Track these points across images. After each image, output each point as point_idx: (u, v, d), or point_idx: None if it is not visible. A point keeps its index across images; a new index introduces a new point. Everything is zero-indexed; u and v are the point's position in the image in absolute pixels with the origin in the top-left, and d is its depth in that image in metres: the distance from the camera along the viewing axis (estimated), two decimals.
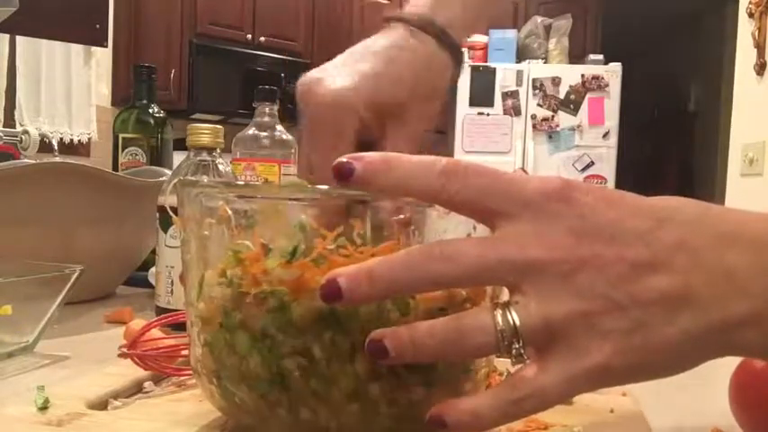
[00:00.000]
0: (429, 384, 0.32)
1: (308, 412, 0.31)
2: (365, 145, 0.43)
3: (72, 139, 3.66)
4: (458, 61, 0.48)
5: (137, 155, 1.09)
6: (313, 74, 0.44)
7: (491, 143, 3.70)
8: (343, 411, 0.31)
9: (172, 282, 0.64)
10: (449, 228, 0.33)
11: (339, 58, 0.45)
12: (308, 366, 0.31)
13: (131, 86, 1.14)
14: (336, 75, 0.43)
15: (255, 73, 4.03)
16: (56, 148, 2.08)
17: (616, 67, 3.67)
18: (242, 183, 0.74)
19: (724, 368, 0.37)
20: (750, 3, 2.64)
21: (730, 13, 3.77)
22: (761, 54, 2.58)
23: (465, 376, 0.34)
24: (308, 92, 0.43)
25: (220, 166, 0.65)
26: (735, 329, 0.27)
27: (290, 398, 0.31)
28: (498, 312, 0.28)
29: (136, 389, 0.45)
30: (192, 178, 0.63)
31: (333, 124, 0.42)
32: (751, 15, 2.65)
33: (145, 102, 1.11)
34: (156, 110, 1.12)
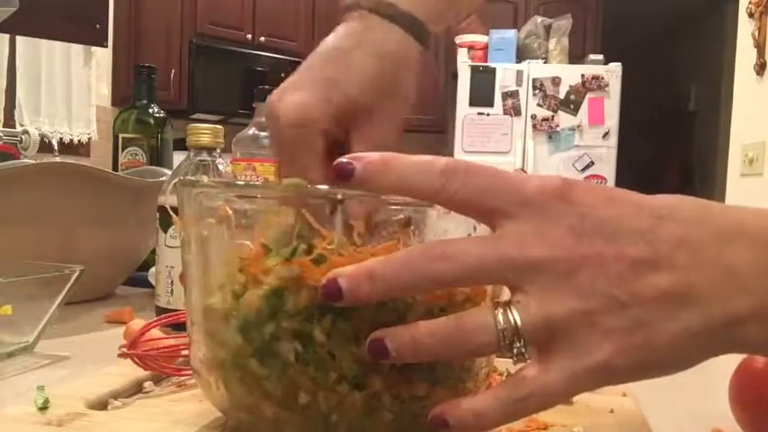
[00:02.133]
0: (431, 382, 0.32)
1: (306, 397, 0.31)
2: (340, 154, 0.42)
3: (72, 139, 3.66)
4: (418, 36, 0.44)
5: (137, 155, 1.09)
6: (277, 90, 0.42)
7: (491, 143, 3.70)
8: (345, 403, 0.31)
9: (172, 282, 0.64)
10: (449, 228, 0.33)
11: (304, 63, 0.43)
12: (309, 355, 0.31)
13: (131, 86, 1.15)
14: (297, 88, 0.42)
15: (255, 73, 4.03)
16: (56, 148, 2.08)
17: (616, 67, 3.67)
18: (242, 183, 0.74)
19: (724, 368, 0.37)
20: (750, 3, 2.64)
21: (730, 13, 3.77)
22: (761, 54, 2.58)
23: (466, 375, 0.34)
24: (271, 112, 0.42)
25: (220, 166, 0.65)
26: (736, 326, 0.27)
27: (290, 392, 0.31)
28: (499, 312, 0.28)
29: (136, 389, 0.45)
30: (192, 178, 0.63)
31: (298, 145, 0.41)
32: (751, 15, 2.65)
33: (145, 102, 1.11)
34: (156, 110, 1.12)
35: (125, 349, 0.44)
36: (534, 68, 3.72)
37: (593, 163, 3.67)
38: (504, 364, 0.39)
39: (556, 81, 3.69)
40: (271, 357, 0.31)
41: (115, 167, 1.09)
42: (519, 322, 0.27)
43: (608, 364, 0.27)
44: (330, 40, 0.44)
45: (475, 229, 0.32)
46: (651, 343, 0.27)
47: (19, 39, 3.34)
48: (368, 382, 0.31)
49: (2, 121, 3.30)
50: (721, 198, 2.91)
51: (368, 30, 0.43)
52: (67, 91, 3.63)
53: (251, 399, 0.32)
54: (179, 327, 0.45)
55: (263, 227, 0.33)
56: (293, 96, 0.41)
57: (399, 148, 0.43)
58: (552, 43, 3.83)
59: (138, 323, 0.49)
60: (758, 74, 2.59)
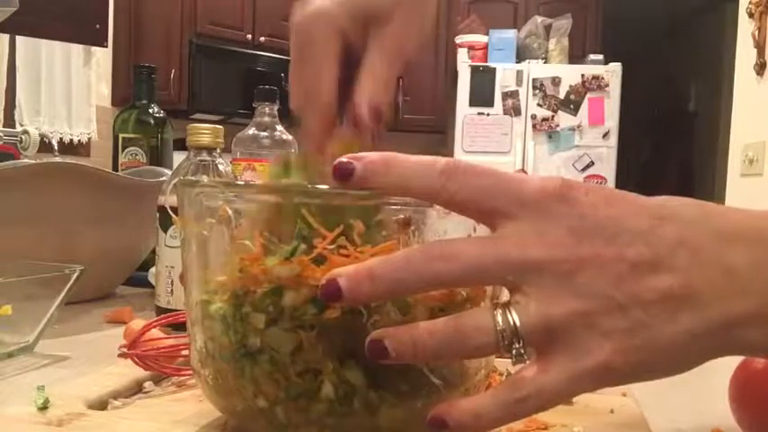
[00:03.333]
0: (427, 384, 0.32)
1: (305, 398, 0.31)
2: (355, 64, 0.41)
3: (72, 139, 3.66)
4: None
5: (137, 155, 1.09)
6: (299, 2, 0.42)
7: (491, 143, 3.70)
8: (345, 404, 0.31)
9: (172, 282, 0.64)
10: (449, 228, 0.33)
11: None
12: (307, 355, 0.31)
13: (131, 86, 1.14)
14: None
15: (255, 73, 4.03)
16: (56, 148, 2.08)
17: (616, 67, 3.67)
18: (242, 183, 0.74)
19: (724, 368, 0.37)
20: (750, 3, 2.64)
21: (730, 13, 3.77)
22: (761, 54, 2.58)
23: (463, 376, 0.34)
24: (292, 17, 0.42)
25: (220, 166, 0.65)
26: (736, 328, 0.27)
27: (290, 392, 0.31)
28: (498, 312, 0.28)
29: (136, 389, 0.45)
30: (192, 178, 0.63)
31: (315, 41, 0.41)
32: (751, 15, 2.65)
33: (145, 102, 1.11)
34: (156, 110, 1.12)
35: (125, 349, 0.44)
36: (534, 68, 3.71)
37: (593, 163, 3.67)
38: (504, 364, 0.39)
39: (556, 81, 3.69)
40: (269, 357, 0.31)
41: (115, 167, 1.09)
42: (518, 323, 0.27)
43: (607, 366, 0.27)
44: None
45: (475, 229, 0.32)
46: (650, 344, 0.27)
47: (19, 39, 3.34)
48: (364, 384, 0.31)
49: (2, 121, 3.30)
50: (721, 198, 2.91)
51: None
52: (67, 91, 3.63)
53: (250, 398, 0.32)
54: (179, 327, 0.45)
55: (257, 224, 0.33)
56: (315, 2, 0.42)
57: (408, 65, 0.43)
58: (552, 43, 3.83)
59: (138, 323, 0.49)
60: (758, 74, 2.59)
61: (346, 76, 0.41)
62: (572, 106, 3.68)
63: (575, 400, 0.42)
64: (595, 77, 3.67)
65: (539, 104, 3.70)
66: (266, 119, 0.84)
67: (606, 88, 3.66)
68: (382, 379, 0.31)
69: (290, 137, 0.86)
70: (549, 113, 3.69)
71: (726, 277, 0.27)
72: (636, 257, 0.27)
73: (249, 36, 4.13)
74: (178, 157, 0.80)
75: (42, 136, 1.73)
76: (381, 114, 0.39)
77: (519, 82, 3.70)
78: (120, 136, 1.10)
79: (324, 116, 0.40)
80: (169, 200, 0.63)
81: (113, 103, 3.89)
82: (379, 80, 0.40)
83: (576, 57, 3.87)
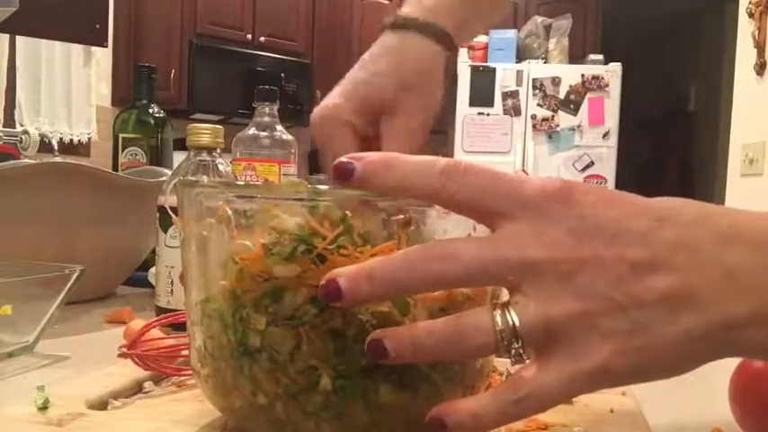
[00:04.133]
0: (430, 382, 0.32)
1: (306, 397, 0.31)
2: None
3: (72, 139, 3.66)
4: (447, 47, 0.50)
5: (137, 155, 1.09)
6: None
7: (491, 143, 3.70)
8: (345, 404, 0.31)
9: (172, 282, 0.64)
10: (449, 228, 0.33)
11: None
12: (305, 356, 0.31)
13: (131, 86, 1.14)
14: (330, 95, 0.48)
15: (255, 73, 4.03)
16: (56, 148, 2.08)
17: (616, 67, 3.67)
18: (242, 183, 0.74)
19: (724, 368, 0.37)
20: (750, 3, 2.64)
21: (730, 13, 3.77)
22: (761, 54, 2.58)
23: (463, 373, 0.34)
24: (311, 118, 0.49)
25: (220, 166, 0.65)
26: (736, 329, 0.27)
27: (290, 392, 0.31)
28: (498, 313, 0.28)
29: (136, 389, 0.45)
30: (192, 178, 0.63)
31: (327, 141, 0.47)
32: (751, 15, 2.65)
33: (145, 102, 1.11)
34: (156, 110, 1.12)
35: (125, 349, 0.44)
36: (534, 68, 3.72)
37: (593, 163, 3.67)
38: (503, 364, 0.39)
39: (556, 81, 3.69)
40: (269, 356, 0.31)
41: (115, 167, 1.09)
42: (517, 323, 0.27)
43: (606, 367, 0.27)
44: (365, 54, 0.50)
45: (475, 229, 0.32)
46: (650, 346, 0.27)
47: (19, 39, 3.34)
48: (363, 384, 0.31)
49: (2, 121, 3.30)
50: (721, 198, 2.91)
51: (397, 40, 0.49)
52: (67, 91, 3.63)
53: (249, 397, 0.33)
54: (179, 327, 0.45)
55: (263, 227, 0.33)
56: (326, 100, 0.48)
57: (423, 145, 0.46)
58: (552, 43, 3.83)
59: (138, 323, 0.49)
60: (758, 74, 2.59)
61: None
62: (572, 106, 3.68)
63: (575, 399, 0.42)
64: (595, 77, 3.67)
65: (539, 104, 3.70)
66: (266, 119, 0.84)
67: (606, 88, 3.66)
68: (380, 374, 0.31)
69: (290, 137, 0.86)
70: (549, 113, 3.69)
71: (726, 278, 0.27)
72: (635, 258, 0.27)
73: (249, 36, 4.13)
74: (178, 157, 0.80)
75: (42, 136, 1.74)
76: None
77: (519, 82, 3.70)
78: (120, 136, 1.10)
79: None
80: (169, 200, 0.63)
81: (113, 103, 3.89)
82: None
83: (576, 57, 3.87)
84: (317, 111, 0.48)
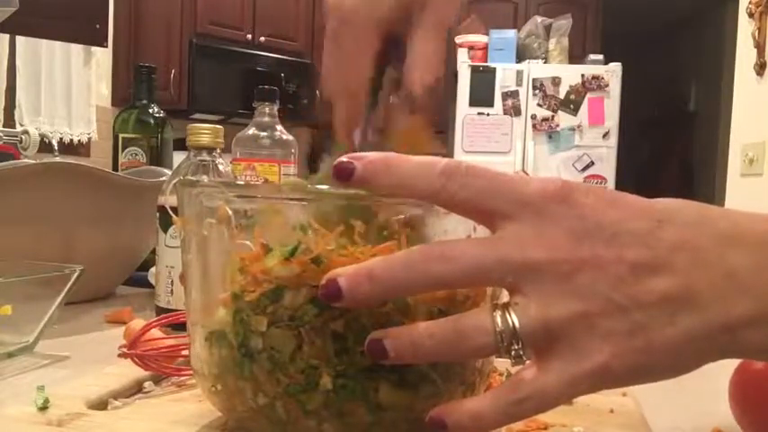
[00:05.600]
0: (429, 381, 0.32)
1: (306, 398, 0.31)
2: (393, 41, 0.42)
3: (72, 139, 3.66)
4: None
5: (137, 155, 1.09)
6: None
7: (491, 143, 3.70)
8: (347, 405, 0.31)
9: (172, 282, 0.64)
10: (449, 228, 0.33)
11: None
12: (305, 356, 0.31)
13: (131, 86, 1.14)
14: None
15: (255, 73, 4.03)
16: (56, 148, 2.08)
17: (616, 67, 3.66)
18: (242, 183, 0.74)
19: (724, 368, 0.37)
20: (750, 3, 2.64)
21: (730, 13, 3.77)
22: (761, 54, 2.58)
23: (463, 373, 0.34)
24: (330, 3, 0.42)
25: (220, 166, 0.65)
26: (737, 330, 0.27)
27: (289, 393, 0.31)
28: (498, 313, 0.28)
29: (136, 389, 0.45)
30: (192, 178, 0.63)
31: (356, 30, 0.41)
32: (751, 15, 2.65)
33: (145, 102, 1.11)
34: (156, 110, 1.12)
35: (125, 349, 0.44)
36: (534, 68, 3.71)
37: (593, 163, 3.67)
38: (504, 364, 0.39)
39: (556, 81, 3.69)
40: (269, 356, 0.31)
41: (115, 167, 1.09)
42: (517, 324, 0.27)
43: (607, 368, 0.27)
44: None
45: (475, 229, 0.32)
46: (650, 346, 0.27)
47: (19, 39, 3.34)
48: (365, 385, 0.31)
49: (2, 121, 3.30)
50: (721, 198, 2.91)
51: None
52: (67, 91, 3.63)
53: (250, 397, 0.33)
54: (179, 327, 0.45)
55: (263, 226, 0.33)
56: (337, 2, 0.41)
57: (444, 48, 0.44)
58: (552, 43, 3.83)
59: (138, 323, 0.49)
60: (758, 74, 2.59)
61: (384, 60, 0.42)
62: (572, 106, 3.68)
63: (575, 400, 0.42)
64: (595, 77, 3.67)
65: (539, 104, 3.70)
66: (266, 119, 0.84)
67: (606, 88, 3.66)
68: (381, 373, 0.31)
69: (290, 137, 0.86)
70: (549, 113, 3.69)
71: (726, 280, 0.27)
72: (636, 259, 0.27)
73: (249, 36, 4.13)
74: (178, 157, 0.80)
75: (42, 136, 1.73)
76: (434, 91, 0.41)
77: (519, 82, 3.70)
78: (120, 136, 1.10)
79: (355, 106, 0.41)
80: (169, 200, 0.63)
81: (113, 103, 3.89)
82: (429, 60, 0.41)
83: (576, 57, 3.87)
84: (335, 12, 0.41)
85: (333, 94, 0.42)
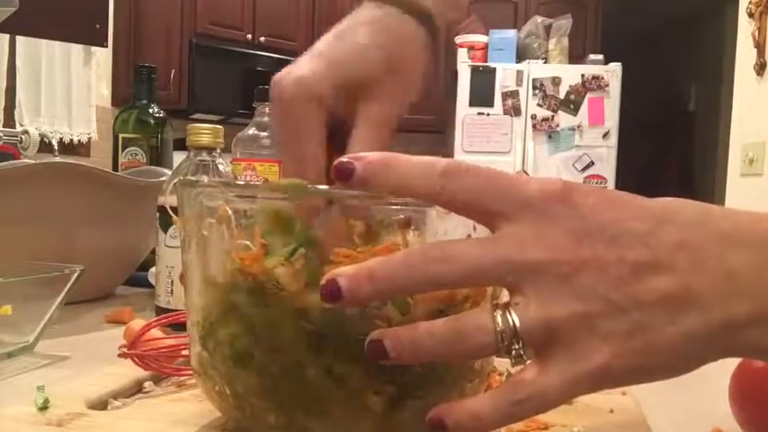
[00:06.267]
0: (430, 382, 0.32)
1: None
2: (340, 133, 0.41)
3: (72, 139, 3.66)
4: (429, 30, 0.45)
5: (137, 155, 1.09)
6: (284, 69, 0.41)
7: (491, 143, 3.70)
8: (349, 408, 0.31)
9: (172, 282, 0.64)
10: (449, 228, 0.33)
11: (311, 48, 0.43)
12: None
13: (131, 86, 1.14)
14: (299, 65, 0.41)
15: (255, 73, 4.03)
16: (56, 148, 2.08)
17: (616, 67, 3.66)
18: (242, 183, 0.74)
19: (724, 368, 0.37)
20: (750, 3, 2.64)
21: (730, 13, 3.77)
22: (761, 54, 2.58)
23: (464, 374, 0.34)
24: (274, 87, 0.41)
25: (220, 166, 0.65)
26: (737, 330, 0.27)
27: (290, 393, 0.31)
28: (498, 313, 0.28)
29: (136, 389, 0.45)
30: (192, 178, 0.63)
31: (296, 117, 0.40)
32: (751, 15, 2.65)
33: (145, 102, 1.11)
34: (156, 110, 1.12)
35: (125, 349, 0.44)
36: (534, 68, 3.71)
37: (593, 163, 3.67)
38: (504, 364, 0.39)
39: (556, 81, 3.69)
40: (269, 358, 0.31)
41: (115, 167, 1.09)
42: (518, 324, 0.27)
43: (607, 368, 0.27)
44: (338, 24, 0.43)
45: (475, 229, 0.32)
46: (650, 347, 0.27)
47: (19, 39, 3.33)
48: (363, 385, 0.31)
49: (2, 121, 3.30)
50: (721, 198, 2.91)
51: (376, 13, 0.43)
52: (67, 91, 3.63)
53: (250, 400, 0.33)
54: (179, 327, 0.45)
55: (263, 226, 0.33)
56: (295, 71, 0.40)
57: (393, 136, 0.42)
58: (552, 43, 3.83)
59: (138, 323, 0.49)
60: (758, 74, 2.59)
61: (336, 138, 0.41)
62: (572, 106, 3.68)
63: (575, 399, 0.42)
64: (595, 77, 3.67)
65: (539, 104, 3.70)
66: (266, 119, 0.84)
67: (606, 88, 3.66)
68: (379, 371, 0.31)
69: None
70: (549, 113, 3.69)
71: (727, 279, 0.27)
72: (636, 260, 0.27)
73: (249, 36, 4.13)
74: (178, 157, 0.80)
75: (42, 136, 1.73)
76: None
77: (519, 82, 3.70)
78: (120, 136, 1.10)
79: (307, 176, 0.39)
80: (169, 200, 0.63)
81: (113, 103, 3.89)
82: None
83: (576, 57, 3.87)
84: (284, 81, 0.40)
85: (284, 165, 0.41)
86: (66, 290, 0.56)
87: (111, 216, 0.77)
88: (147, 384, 0.45)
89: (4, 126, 3.18)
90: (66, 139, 3.61)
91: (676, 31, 5.48)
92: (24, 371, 0.51)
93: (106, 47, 2.30)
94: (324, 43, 0.42)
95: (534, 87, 3.70)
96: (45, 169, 0.73)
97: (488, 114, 3.70)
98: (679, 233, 0.27)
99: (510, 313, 0.28)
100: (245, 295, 0.32)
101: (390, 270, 0.28)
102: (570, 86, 3.68)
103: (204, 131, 0.64)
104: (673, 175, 5.53)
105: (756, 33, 2.61)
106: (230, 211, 0.33)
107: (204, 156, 0.64)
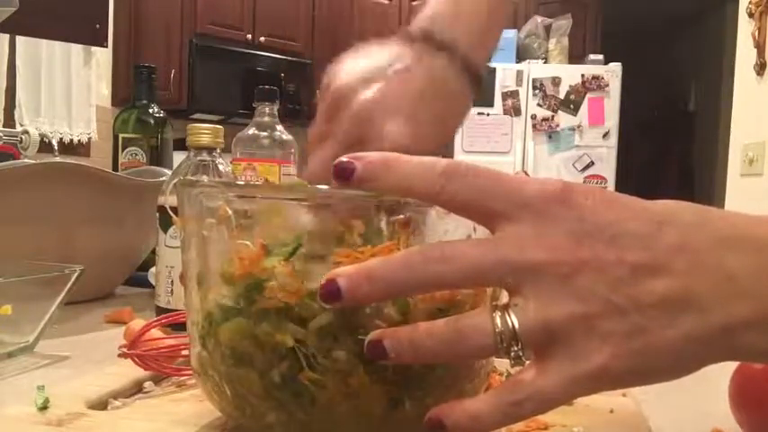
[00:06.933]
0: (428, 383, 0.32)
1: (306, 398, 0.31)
2: None
3: (72, 139, 3.66)
4: (476, 90, 0.49)
5: (137, 155, 1.09)
6: (369, 96, 0.43)
7: (491, 143, 3.69)
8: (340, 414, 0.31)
9: (172, 282, 0.64)
10: (449, 228, 0.33)
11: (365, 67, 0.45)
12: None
13: (131, 86, 1.14)
14: (392, 113, 0.43)
15: (255, 73, 4.03)
16: (56, 148, 2.09)
17: (616, 67, 3.66)
18: (242, 183, 0.74)
19: (724, 368, 0.37)
20: (750, 3, 2.64)
21: (730, 13, 3.77)
22: (761, 54, 2.58)
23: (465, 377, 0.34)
24: (368, 120, 0.43)
25: (220, 166, 0.65)
26: (736, 332, 0.27)
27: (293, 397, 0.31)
28: (497, 314, 0.28)
29: (136, 389, 0.45)
30: (192, 178, 0.63)
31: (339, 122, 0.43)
32: (751, 15, 2.65)
33: (145, 102, 1.11)
34: (156, 110, 1.12)
35: (125, 349, 0.44)
36: (534, 68, 3.71)
37: (593, 163, 3.67)
38: (504, 364, 0.39)
39: (556, 81, 3.69)
40: (269, 358, 0.31)
41: (115, 167, 1.09)
42: (517, 325, 0.27)
43: (606, 369, 0.27)
44: (394, 60, 0.45)
45: (475, 229, 0.32)
46: (649, 348, 0.27)
47: (19, 39, 3.33)
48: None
49: (2, 121, 3.30)
50: (721, 198, 2.91)
51: (436, 74, 0.46)
52: (67, 91, 3.63)
53: (250, 400, 0.33)
54: (179, 327, 0.45)
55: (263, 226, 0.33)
56: (398, 127, 0.43)
57: None
58: (552, 43, 3.83)
59: (138, 323, 0.49)
60: (758, 74, 2.59)
61: None
62: (572, 106, 3.68)
63: (575, 400, 0.42)
64: (595, 77, 3.67)
65: (539, 104, 3.70)
66: (266, 119, 0.84)
67: (606, 88, 3.66)
68: (379, 372, 0.31)
69: (290, 137, 0.86)
70: (549, 113, 3.69)
71: (726, 282, 0.27)
72: (635, 261, 0.27)
73: (249, 36, 4.13)
74: (178, 157, 0.80)
75: (42, 136, 1.74)
76: None
77: (519, 82, 3.70)
78: (120, 136, 1.10)
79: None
80: (169, 200, 0.63)
81: (113, 103, 3.89)
82: None
83: (576, 57, 3.87)
84: (396, 137, 0.42)
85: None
86: (66, 290, 0.56)
87: (111, 216, 0.77)
88: (147, 384, 0.45)
89: (4, 126, 3.18)
90: (66, 140, 3.61)
91: (676, 31, 5.48)
92: (24, 371, 0.51)
93: (106, 47, 2.31)
94: (402, 97, 0.44)
95: (534, 87, 3.70)
96: (45, 169, 0.73)
97: (488, 114, 3.70)
98: (678, 235, 0.27)
99: (509, 314, 0.28)
100: (244, 295, 0.32)
101: (390, 270, 0.28)
102: (570, 86, 3.68)
103: (204, 131, 0.64)
104: (673, 175, 5.53)
105: (756, 33, 2.61)
106: (230, 211, 0.33)
107: (204, 156, 0.64)
